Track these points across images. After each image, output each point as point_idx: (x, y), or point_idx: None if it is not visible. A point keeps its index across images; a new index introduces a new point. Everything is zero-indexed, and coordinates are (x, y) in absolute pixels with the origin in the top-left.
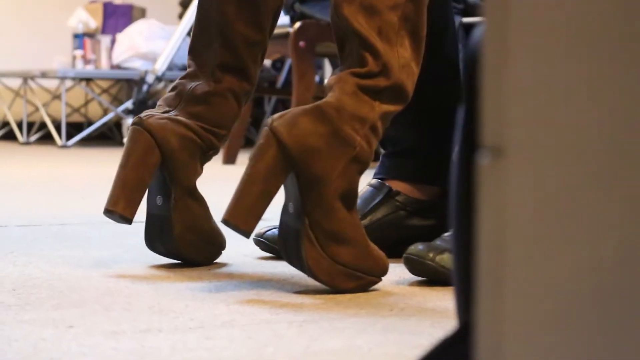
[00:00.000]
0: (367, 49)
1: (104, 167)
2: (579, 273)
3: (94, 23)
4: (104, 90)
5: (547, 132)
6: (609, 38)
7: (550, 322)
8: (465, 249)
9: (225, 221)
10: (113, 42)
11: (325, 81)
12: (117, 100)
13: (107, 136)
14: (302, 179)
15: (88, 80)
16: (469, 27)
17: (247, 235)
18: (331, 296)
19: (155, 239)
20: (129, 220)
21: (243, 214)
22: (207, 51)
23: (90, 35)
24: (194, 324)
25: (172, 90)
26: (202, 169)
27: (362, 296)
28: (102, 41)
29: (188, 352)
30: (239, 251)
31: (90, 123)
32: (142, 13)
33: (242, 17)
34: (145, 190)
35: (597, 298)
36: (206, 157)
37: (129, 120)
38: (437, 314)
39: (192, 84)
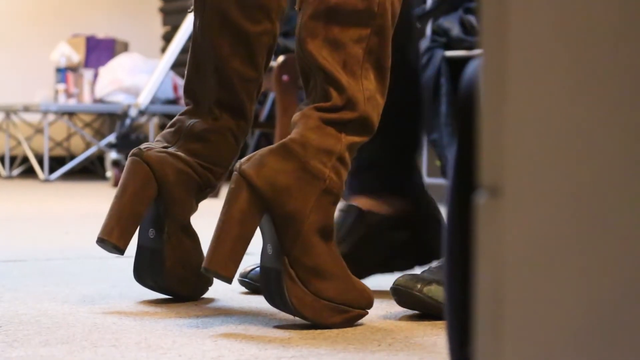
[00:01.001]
0: (331, 84)
1: (86, 201)
2: (577, 313)
3: (77, 57)
4: (87, 124)
5: (544, 172)
6: (610, 79)
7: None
8: (458, 287)
9: (206, 269)
10: (96, 76)
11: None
12: (100, 134)
13: (89, 170)
14: (276, 218)
15: (71, 114)
16: (451, 61)
17: (229, 281)
18: (319, 331)
19: (144, 272)
20: (121, 251)
21: (222, 261)
22: (204, 88)
23: (73, 69)
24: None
25: (171, 126)
26: (197, 206)
27: (349, 331)
28: (85, 75)
29: None
30: (226, 286)
31: (72, 157)
32: (125, 47)
33: (236, 54)
34: (139, 222)
35: (594, 338)
36: (203, 195)
37: (112, 154)
38: (425, 349)
39: (191, 121)
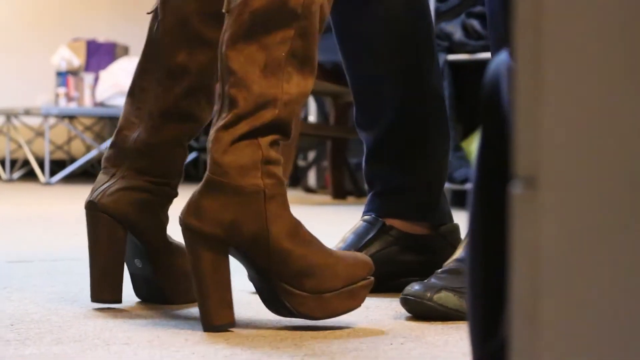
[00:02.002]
0: (240, 88)
1: None
2: (617, 305)
3: (77, 61)
4: (87, 128)
5: (580, 161)
6: None
7: (587, 356)
8: (481, 283)
9: (209, 328)
10: (96, 79)
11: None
12: (100, 138)
13: (90, 173)
14: (242, 249)
15: (71, 117)
16: (453, 65)
17: (233, 325)
18: (329, 331)
19: (145, 293)
20: (118, 301)
21: (217, 314)
22: (147, 96)
23: (74, 73)
24: (196, 357)
25: (111, 147)
26: (167, 217)
27: (360, 330)
28: (85, 79)
29: None
30: (233, 286)
31: (73, 160)
32: (125, 51)
33: (192, 64)
34: (123, 266)
35: (633, 331)
36: (167, 206)
37: None
38: (437, 347)
39: (133, 136)
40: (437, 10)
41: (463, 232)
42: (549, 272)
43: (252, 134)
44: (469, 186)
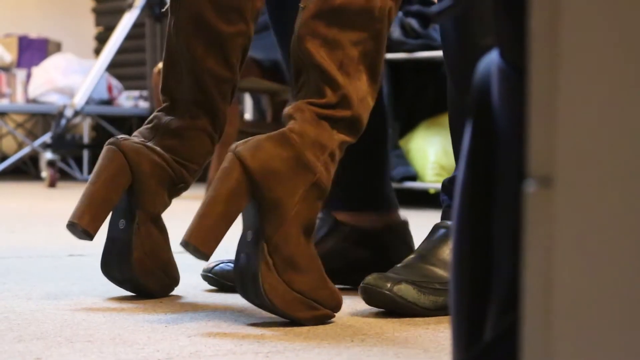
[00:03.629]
0: (326, 82)
1: (24, 202)
2: (630, 305)
3: (9, 57)
4: (19, 125)
5: (596, 161)
6: None
7: (600, 353)
8: (467, 286)
9: (185, 242)
10: (29, 76)
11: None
12: (33, 135)
13: (22, 170)
14: (263, 202)
15: (2, 114)
16: (392, 63)
17: (206, 258)
18: (289, 328)
19: (112, 263)
20: (90, 236)
21: (203, 236)
22: (180, 87)
23: (5, 69)
24: (161, 355)
25: (148, 122)
26: (170, 201)
27: (320, 328)
28: (18, 75)
29: None
30: (187, 283)
31: (4, 157)
32: (58, 47)
33: (210, 55)
34: (110, 210)
35: None
36: (176, 190)
37: (46, 155)
38: (398, 344)
39: (168, 118)
40: None
41: (415, 229)
42: (563, 272)
43: (332, 123)
44: (407, 184)
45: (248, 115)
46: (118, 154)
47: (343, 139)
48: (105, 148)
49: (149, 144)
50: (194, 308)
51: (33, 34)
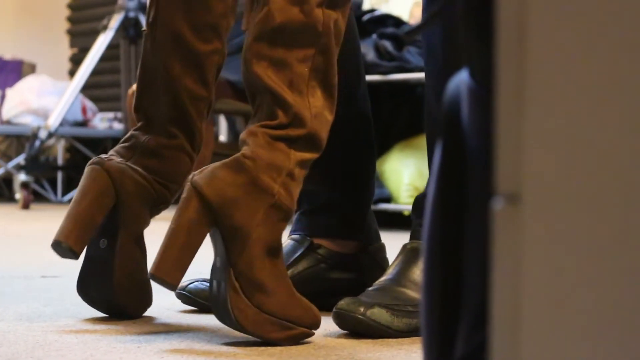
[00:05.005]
0: (277, 103)
1: None
2: (598, 321)
3: None
4: None
5: (563, 177)
6: (632, 83)
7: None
8: (438, 299)
9: (152, 275)
10: (3, 97)
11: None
12: (7, 157)
13: None
14: (224, 229)
15: None
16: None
17: (174, 289)
18: (263, 348)
19: (90, 283)
20: (76, 255)
21: (169, 268)
22: (156, 106)
23: None
24: None
25: (125, 141)
26: (149, 220)
27: (293, 348)
28: None
29: None
30: (160, 305)
31: None
32: (32, 69)
33: (187, 73)
34: (94, 230)
35: (619, 345)
36: (157, 210)
37: (20, 176)
38: None
39: (146, 137)
40: None
41: (389, 251)
42: (531, 289)
43: (288, 141)
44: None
45: (223, 137)
46: (102, 173)
47: (302, 157)
48: (88, 168)
49: (130, 164)
50: (168, 328)
51: (7, 55)
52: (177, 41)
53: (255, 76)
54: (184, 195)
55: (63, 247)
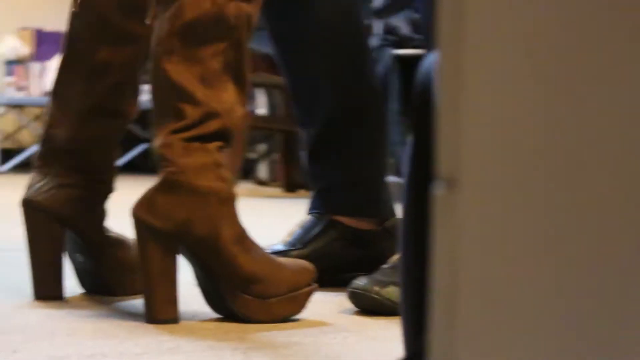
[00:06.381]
0: (185, 100)
1: None
2: (534, 303)
3: (25, 50)
4: (37, 117)
5: (502, 162)
6: (566, 69)
7: (504, 353)
8: (414, 282)
9: (152, 321)
10: (44, 69)
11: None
12: None
13: None
14: (190, 247)
15: (19, 107)
16: (401, 59)
17: (176, 321)
18: (274, 324)
19: (89, 285)
20: (60, 298)
21: (162, 309)
22: (72, 93)
23: (22, 62)
24: (139, 349)
25: (42, 145)
26: (104, 211)
27: (304, 324)
28: (33, 68)
29: None
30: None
31: (22, 149)
32: None
33: (115, 59)
34: (63, 263)
35: (549, 336)
36: (103, 201)
37: None
38: (380, 342)
39: (61, 135)
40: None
41: None
42: (468, 274)
43: (202, 139)
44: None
45: (262, 110)
46: (38, 214)
47: (217, 145)
48: (23, 212)
49: (55, 179)
50: (182, 302)
51: (48, 27)
52: (105, 24)
53: (164, 73)
54: (137, 236)
55: (45, 299)
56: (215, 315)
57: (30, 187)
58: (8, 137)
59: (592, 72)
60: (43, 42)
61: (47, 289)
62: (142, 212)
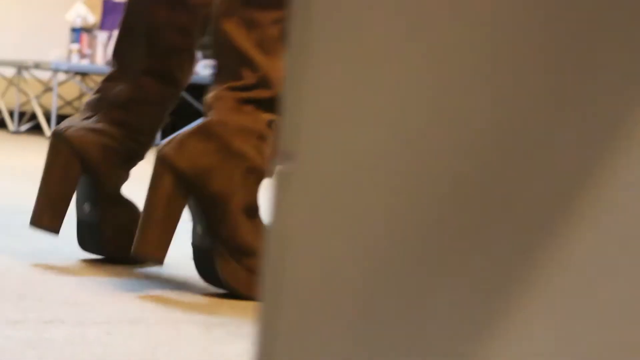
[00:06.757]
0: (244, 63)
1: None
2: (365, 283)
3: (93, 18)
4: None
5: (339, 138)
6: (411, 46)
7: (323, 315)
8: None
9: (136, 254)
10: (110, 38)
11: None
12: None
13: None
14: (202, 199)
15: (83, 74)
16: None
17: (160, 263)
18: (248, 302)
19: (87, 242)
20: (56, 231)
21: (152, 245)
22: (132, 54)
23: (88, 30)
24: (100, 318)
25: (95, 92)
26: (128, 174)
27: None
28: (99, 37)
29: (82, 345)
30: (177, 252)
31: None
32: None
33: (172, 23)
34: (69, 201)
35: (383, 302)
36: (132, 163)
37: None
38: None
39: (116, 89)
40: None
41: None
42: (294, 251)
43: (256, 103)
44: None
45: None
46: (63, 146)
47: (270, 118)
48: (50, 141)
49: (95, 120)
50: (168, 276)
51: None
52: None
53: (224, 34)
54: (154, 170)
55: (39, 229)
56: (194, 292)
57: (67, 122)
58: (69, 103)
59: (415, 65)
60: (110, 12)
61: (45, 219)
62: (169, 149)
